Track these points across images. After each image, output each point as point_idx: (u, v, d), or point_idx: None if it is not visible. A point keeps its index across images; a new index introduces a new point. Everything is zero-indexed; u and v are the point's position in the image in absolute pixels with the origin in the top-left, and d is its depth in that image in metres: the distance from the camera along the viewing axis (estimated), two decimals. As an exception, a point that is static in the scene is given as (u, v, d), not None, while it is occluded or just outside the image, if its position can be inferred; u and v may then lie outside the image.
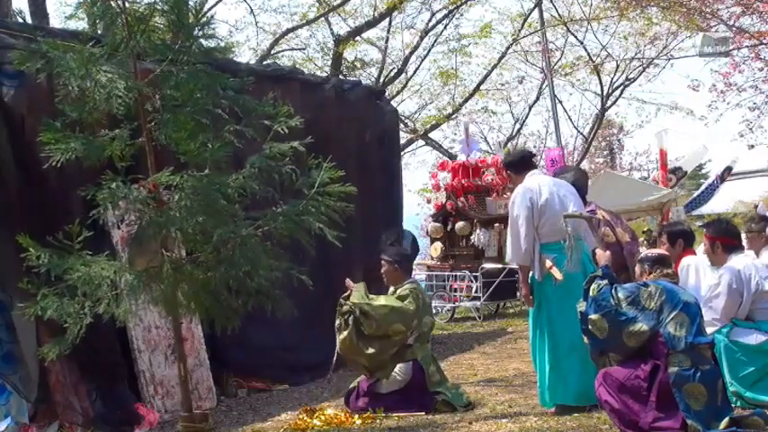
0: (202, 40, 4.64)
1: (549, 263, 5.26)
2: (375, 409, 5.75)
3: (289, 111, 4.87)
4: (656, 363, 4.42)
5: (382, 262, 6.28)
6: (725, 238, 5.51)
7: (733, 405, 4.75)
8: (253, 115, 4.77)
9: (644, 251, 5.62)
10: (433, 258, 13.50)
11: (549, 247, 5.32)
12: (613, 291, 4.56)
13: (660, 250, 5.36)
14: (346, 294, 5.99)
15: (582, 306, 4.66)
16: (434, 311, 13.39)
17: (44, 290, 4.38)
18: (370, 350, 5.79)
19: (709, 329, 5.13)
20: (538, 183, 5.47)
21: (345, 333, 5.83)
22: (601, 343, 4.63)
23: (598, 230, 5.49)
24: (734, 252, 5.44)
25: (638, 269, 4.89)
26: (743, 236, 5.91)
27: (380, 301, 5.93)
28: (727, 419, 4.32)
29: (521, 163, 5.69)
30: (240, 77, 4.89)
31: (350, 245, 5.93)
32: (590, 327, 4.58)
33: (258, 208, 4.84)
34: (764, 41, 12.92)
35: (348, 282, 6.13)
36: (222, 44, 4.94)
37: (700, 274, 5.65)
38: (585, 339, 4.72)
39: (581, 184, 5.84)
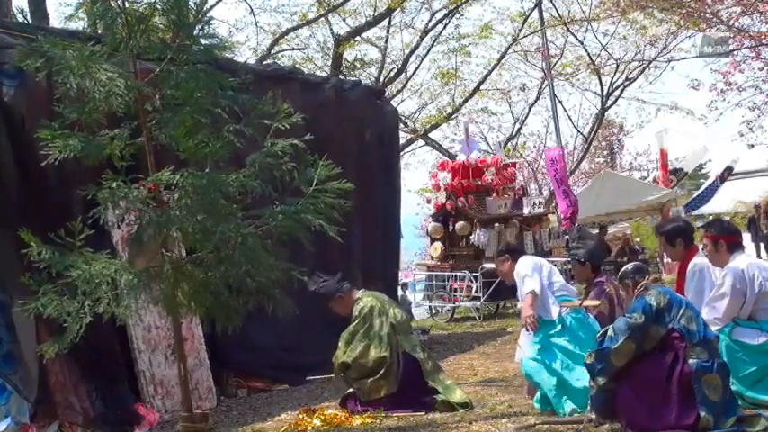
0: (202, 40, 4.64)
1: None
2: (374, 410, 5.75)
3: (288, 109, 4.86)
4: (675, 354, 4.45)
5: (330, 307, 6.30)
6: (728, 236, 5.46)
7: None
8: (252, 114, 4.76)
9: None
10: (433, 258, 13.51)
11: (564, 298, 5.84)
12: (628, 317, 4.57)
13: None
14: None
15: (591, 358, 4.62)
16: (434, 311, 13.39)
17: (45, 287, 4.37)
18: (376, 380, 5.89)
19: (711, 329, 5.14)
20: (537, 260, 6.13)
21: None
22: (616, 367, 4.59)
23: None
24: (737, 250, 5.41)
25: (623, 288, 4.97)
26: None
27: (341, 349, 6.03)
28: (733, 418, 4.38)
29: (516, 250, 6.51)
30: (239, 77, 4.89)
31: (349, 244, 5.92)
32: (612, 358, 4.51)
33: (257, 207, 4.83)
34: (764, 41, 12.89)
35: None
36: (222, 43, 4.93)
37: (714, 273, 5.58)
38: (600, 380, 4.61)
39: (597, 255, 6.40)
